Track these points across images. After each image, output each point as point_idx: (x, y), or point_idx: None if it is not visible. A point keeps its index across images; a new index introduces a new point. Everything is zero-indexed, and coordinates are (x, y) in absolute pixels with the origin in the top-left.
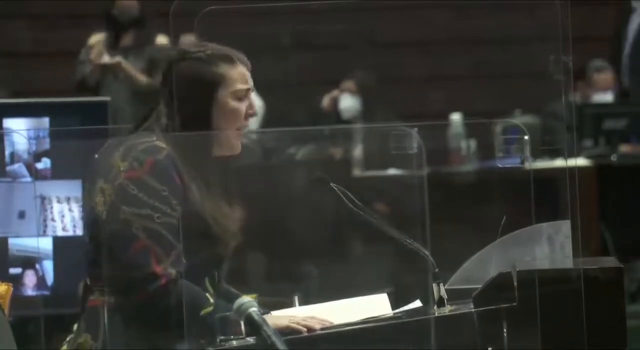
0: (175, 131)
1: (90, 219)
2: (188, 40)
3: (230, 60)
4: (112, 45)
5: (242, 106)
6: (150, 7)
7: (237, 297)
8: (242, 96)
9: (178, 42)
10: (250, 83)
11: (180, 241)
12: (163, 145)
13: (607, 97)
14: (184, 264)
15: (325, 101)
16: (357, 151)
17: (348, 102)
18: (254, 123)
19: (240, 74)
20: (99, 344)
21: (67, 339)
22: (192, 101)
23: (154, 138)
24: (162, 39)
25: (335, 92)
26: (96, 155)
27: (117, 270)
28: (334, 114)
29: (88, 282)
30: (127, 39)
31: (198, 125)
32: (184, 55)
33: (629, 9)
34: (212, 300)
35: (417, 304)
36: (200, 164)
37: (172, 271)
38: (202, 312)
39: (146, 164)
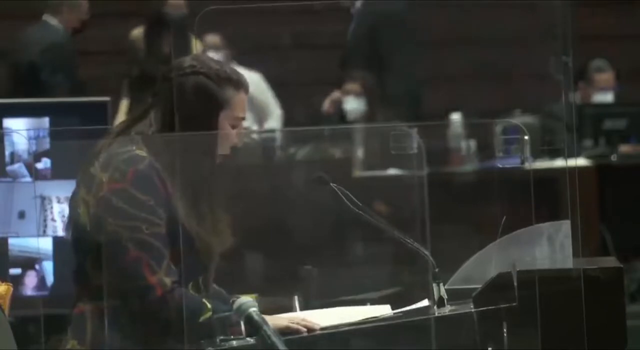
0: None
1: (73, 230)
2: (211, 40)
3: (237, 85)
4: (158, 51)
5: (234, 133)
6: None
7: (228, 298)
8: (237, 124)
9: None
10: (245, 113)
11: (168, 249)
12: (144, 153)
13: (608, 97)
14: (175, 271)
15: (326, 104)
16: (358, 151)
17: (353, 104)
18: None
19: (241, 101)
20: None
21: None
22: (193, 117)
23: (134, 147)
24: (215, 39)
25: (336, 94)
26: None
27: (112, 283)
28: (336, 116)
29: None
30: (167, 45)
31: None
32: (192, 68)
33: (350, 16)
34: (209, 306)
35: (424, 303)
36: (188, 174)
37: (167, 281)
38: (201, 319)
39: (128, 174)
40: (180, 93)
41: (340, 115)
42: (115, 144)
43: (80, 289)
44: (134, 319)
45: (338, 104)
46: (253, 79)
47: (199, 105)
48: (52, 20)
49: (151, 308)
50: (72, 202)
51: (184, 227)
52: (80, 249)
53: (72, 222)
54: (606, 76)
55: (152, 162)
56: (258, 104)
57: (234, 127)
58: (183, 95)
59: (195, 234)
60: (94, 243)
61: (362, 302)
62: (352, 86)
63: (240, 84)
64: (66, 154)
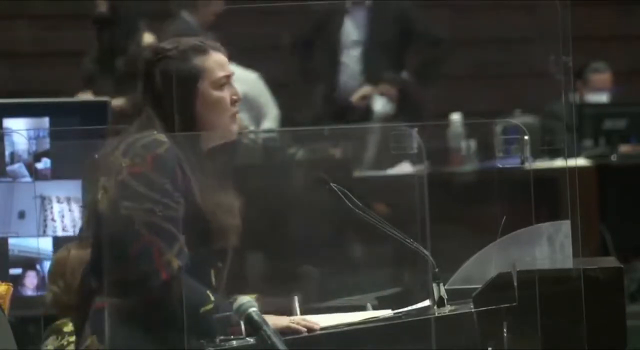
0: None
1: (92, 218)
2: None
3: (203, 51)
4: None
5: (225, 94)
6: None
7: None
8: (223, 84)
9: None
10: (229, 69)
11: (182, 232)
12: (164, 138)
13: (602, 98)
14: (187, 255)
15: (355, 97)
16: (364, 151)
17: (381, 105)
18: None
19: (216, 62)
20: (105, 346)
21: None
22: (175, 99)
23: (154, 132)
24: (148, 38)
25: (367, 90)
26: (96, 155)
27: (120, 269)
28: (361, 112)
29: (92, 284)
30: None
31: (183, 121)
32: (157, 54)
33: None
34: (212, 298)
35: (424, 303)
36: (199, 159)
37: (175, 264)
38: (202, 310)
39: (148, 158)
40: (152, 84)
41: (366, 112)
42: (135, 132)
43: (99, 284)
44: (139, 304)
45: (367, 100)
46: (250, 78)
47: (176, 86)
48: (188, 17)
49: (156, 293)
50: (88, 194)
51: (201, 209)
52: (99, 240)
53: (91, 212)
54: (603, 77)
55: (172, 148)
56: (255, 104)
57: (223, 87)
58: (160, 81)
59: (212, 216)
60: (110, 229)
61: (362, 307)
62: (386, 88)
63: (205, 48)
64: (66, 154)
